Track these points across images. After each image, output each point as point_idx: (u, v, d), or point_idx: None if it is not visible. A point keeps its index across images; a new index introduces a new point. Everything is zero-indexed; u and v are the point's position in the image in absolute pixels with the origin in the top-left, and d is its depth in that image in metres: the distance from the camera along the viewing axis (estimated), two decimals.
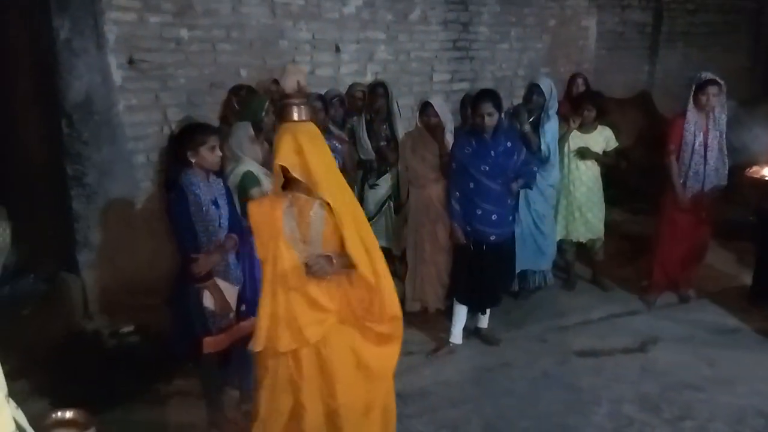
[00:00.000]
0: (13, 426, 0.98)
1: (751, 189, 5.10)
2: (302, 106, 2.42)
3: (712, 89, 4.39)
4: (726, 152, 4.59)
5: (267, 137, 3.62)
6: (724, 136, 4.55)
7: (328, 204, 2.44)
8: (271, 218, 2.49)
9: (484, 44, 6.36)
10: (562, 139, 4.80)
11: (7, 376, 1.04)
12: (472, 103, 4.07)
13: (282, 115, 2.46)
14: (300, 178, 2.40)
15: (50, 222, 4.73)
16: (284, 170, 2.42)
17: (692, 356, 4.17)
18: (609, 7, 7.36)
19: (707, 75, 4.46)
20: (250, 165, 3.50)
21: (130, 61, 4.52)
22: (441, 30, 6.06)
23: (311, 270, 2.44)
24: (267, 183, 3.39)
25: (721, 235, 5.34)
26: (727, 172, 4.62)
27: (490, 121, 3.89)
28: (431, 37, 6.02)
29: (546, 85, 4.64)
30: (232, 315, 3.26)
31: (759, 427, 3.46)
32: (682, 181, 4.59)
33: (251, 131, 3.60)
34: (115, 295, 4.48)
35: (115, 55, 4.46)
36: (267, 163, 3.45)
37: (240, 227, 3.24)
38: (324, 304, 2.52)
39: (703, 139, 4.51)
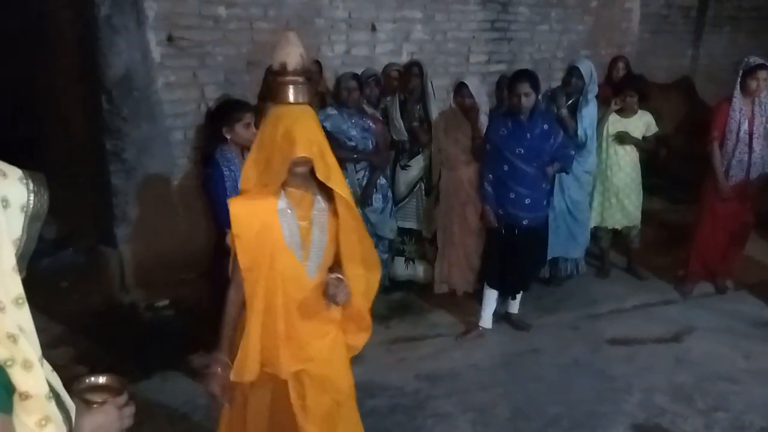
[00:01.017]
0: (47, 387, 1.01)
1: None
2: (305, 86, 1.99)
3: (762, 74, 4.25)
4: None
5: None
6: None
7: (328, 204, 2.08)
8: (264, 221, 2.02)
9: (523, 25, 6.24)
10: (601, 120, 4.70)
11: (48, 345, 1.07)
12: (509, 82, 4.02)
13: (279, 95, 1.97)
14: (319, 173, 1.96)
15: (89, 196, 4.85)
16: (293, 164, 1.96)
17: (728, 348, 4.08)
18: None
19: (756, 60, 4.31)
20: None
21: (169, 39, 4.55)
22: (479, 10, 5.96)
23: (335, 299, 2.04)
24: None
25: (762, 226, 5.20)
26: None
27: (527, 101, 3.82)
28: (469, 17, 5.93)
29: (586, 67, 4.54)
30: None
31: None
32: (724, 169, 4.46)
33: None
34: (151, 270, 4.57)
35: (155, 32, 4.49)
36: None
37: None
38: (328, 315, 2.16)
39: (749, 127, 4.38)
